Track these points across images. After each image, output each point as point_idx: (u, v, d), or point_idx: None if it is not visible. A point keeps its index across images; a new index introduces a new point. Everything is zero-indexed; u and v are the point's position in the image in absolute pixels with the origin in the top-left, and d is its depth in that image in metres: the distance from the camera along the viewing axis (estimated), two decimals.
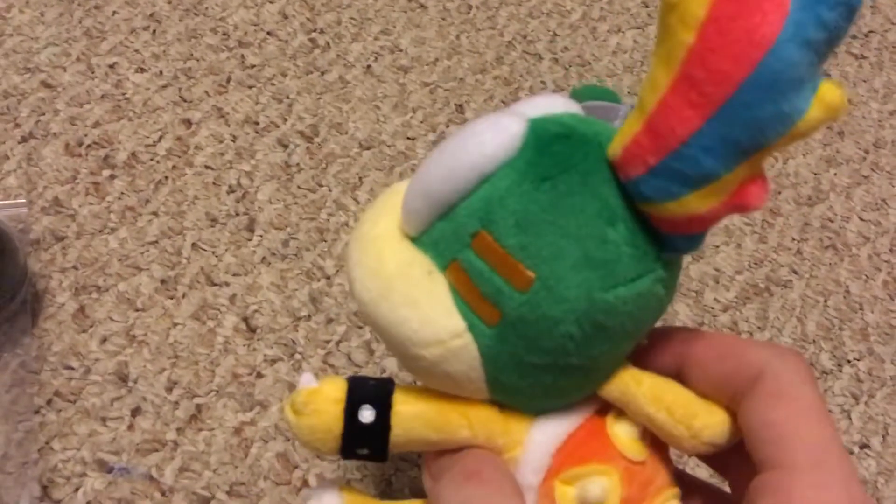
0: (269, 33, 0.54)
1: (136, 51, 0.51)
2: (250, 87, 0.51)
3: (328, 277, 0.45)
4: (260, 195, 0.47)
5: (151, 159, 0.47)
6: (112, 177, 0.46)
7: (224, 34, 0.53)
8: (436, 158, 0.23)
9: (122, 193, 0.45)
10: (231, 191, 0.47)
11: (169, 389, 0.40)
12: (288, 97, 0.51)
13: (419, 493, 0.29)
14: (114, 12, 0.52)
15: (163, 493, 0.37)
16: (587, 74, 0.58)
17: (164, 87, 0.50)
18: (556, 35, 0.60)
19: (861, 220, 0.56)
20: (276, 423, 0.40)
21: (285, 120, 0.50)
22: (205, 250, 0.44)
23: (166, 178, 0.46)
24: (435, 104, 0.54)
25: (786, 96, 0.19)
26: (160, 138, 0.48)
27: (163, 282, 0.43)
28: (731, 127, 0.20)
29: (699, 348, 0.25)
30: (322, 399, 0.25)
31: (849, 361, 0.49)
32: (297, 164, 0.49)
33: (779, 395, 0.23)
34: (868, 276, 0.53)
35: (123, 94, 0.49)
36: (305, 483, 0.38)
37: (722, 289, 0.50)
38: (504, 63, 0.57)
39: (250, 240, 0.45)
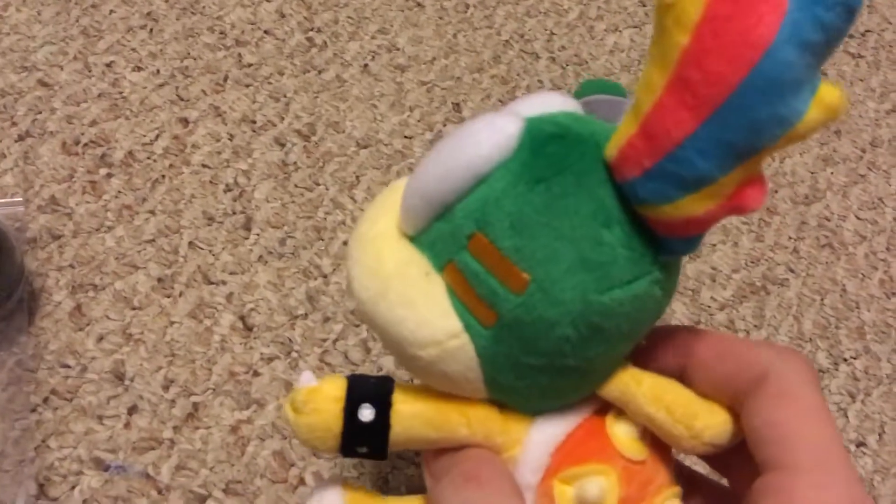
0: (266, 32, 0.54)
1: (133, 49, 0.51)
2: (247, 86, 0.51)
3: (325, 276, 0.45)
4: (257, 194, 0.47)
5: (148, 158, 0.47)
6: (109, 175, 0.46)
7: (221, 33, 0.53)
8: (432, 158, 0.23)
9: (119, 192, 0.45)
10: (228, 189, 0.47)
11: (165, 388, 0.40)
12: (285, 96, 0.51)
13: (416, 491, 0.29)
14: (111, 11, 0.52)
15: (159, 492, 0.37)
16: (584, 73, 0.58)
17: (161, 85, 0.50)
18: (553, 34, 0.60)
19: (858, 218, 0.56)
20: (273, 421, 0.40)
21: (282, 119, 0.50)
22: (201, 249, 0.44)
23: (163, 176, 0.46)
24: (432, 103, 0.54)
25: (783, 98, 0.19)
26: (157, 137, 0.48)
27: (159, 280, 0.43)
28: (727, 129, 0.19)
29: (702, 348, 0.25)
30: (322, 397, 0.25)
31: (845, 360, 0.49)
32: (294, 163, 0.49)
33: (782, 396, 0.23)
34: (864, 274, 0.53)
35: (120, 92, 0.49)
36: (302, 481, 0.38)
37: (718, 287, 0.50)
38: (501, 62, 0.57)
39: (247, 238, 0.45)
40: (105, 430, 0.38)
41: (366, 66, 0.54)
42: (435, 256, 0.23)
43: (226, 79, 0.51)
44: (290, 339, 0.42)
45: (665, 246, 0.23)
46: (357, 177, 0.49)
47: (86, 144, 0.46)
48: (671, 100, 0.20)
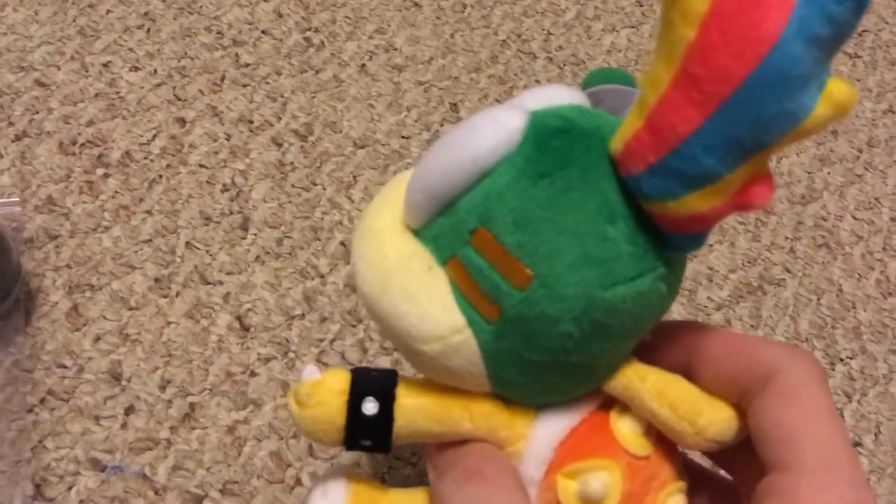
0: (263, 32, 0.54)
1: (131, 49, 0.51)
2: (244, 86, 0.51)
3: (322, 276, 0.45)
4: (254, 194, 0.47)
5: (145, 158, 0.47)
6: (106, 175, 0.46)
7: (218, 33, 0.53)
8: (435, 152, 0.23)
9: (116, 192, 0.45)
10: (225, 189, 0.47)
11: (162, 388, 0.40)
12: (282, 96, 0.51)
13: None
14: (108, 11, 0.52)
15: (156, 492, 0.37)
16: (582, 73, 0.58)
17: (159, 85, 0.50)
18: (550, 34, 0.60)
19: (854, 218, 0.56)
20: (270, 421, 0.40)
21: (279, 119, 0.50)
22: (199, 249, 0.44)
23: (160, 176, 0.46)
24: (429, 103, 0.54)
25: (791, 94, 0.19)
26: (154, 137, 0.48)
27: (156, 280, 0.43)
28: (734, 125, 0.19)
29: (709, 345, 0.25)
30: (325, 391, 0.25)
31: (841, 360, 0.49)
32: (292, 163, 0.49)
33: (790, 396, 0.23)
34: (861, 274, 0.53)
35: (117, 92, 0.49)
36: (298, 482, 0.38)
37: (715, 287, 0.50)
38: (499, 62, 0.57)
39: (244, 238, 0.45)
40: (102, 431, 0.38)
41: (363, 66, 0.54)
42: (438, 251, 0.23)
43: (223, 79, 0.51)
44: (287, 340, 0.42)
45: (670, 242, 0.23)
46: (354, 177, 0.49)
47: (83, 144, 0.46)
48: (677, 95, 0.20)
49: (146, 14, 0.53)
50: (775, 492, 0.22)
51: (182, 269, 0.43)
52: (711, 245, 0.52)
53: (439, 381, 0.25)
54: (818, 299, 0.51)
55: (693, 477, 0.26)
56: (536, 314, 0.22)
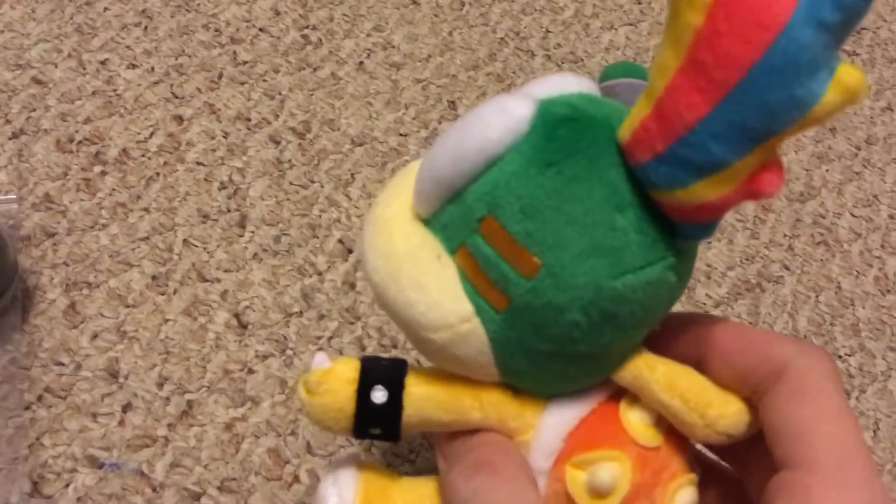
0: (261, 30, 0.54)
1: (128, 47, 0.51)
2: (242, 84, 0.51)
3: (320, 273, 0.45)
4: (252, 191, 0.47)
5: (143, 155, 0.47)
6: (103, 173, 0.45)
7: (216, 30, 0.53)
8: (444, 141, 0.23)
9: (114, 190, 0.45)
10: (223, 187, 0.46)
11: (160, 385, 0.39)
12: (280, 94, 0.51)
13: None
14: (105, 8, 0.52)
15: (154, 489, 0.37)
16: (580, 71, 0.58)
17: (156, 83, 0.50)
18: (548, 32, 0.60)
19: (853, 216, 0.56)
20: (268, 418, 0.40)
21: (277, 116, 0.50)
22: (196, 246, 0.44)
23: (158, 174, 0.46)
24: (427, 101, 0.53)
25: (799, 80, 0.18)
26: (151, 134, 0.48)
27: (154, 278, 0.43)
28: (741, 113, 0.19)
29: (721, 338, 0.25)
30: (335, 379, 0.25)
31: (840, 357, 0.49)
32: (289, 161, 0.48)
33: (803, 393, 0.22)
34: (859, 272, 0.53)
35: (115, 90, 0.49)
36: (296, 479, 0.38)
37: (713, 284, 0.50)
38: (497, 60, 0.57)
39: (242, 236, 0.45)
40: (99, 428, 0.38)
41: (361, 63, 0.54)
42: (447, 239, 0.23)
43: (220, 76, 0.51)
44: (284, 337, 0.42)
45: (679, 231, 0.22)
46: (352, 174, 0.49)
47: (80, 142, 0.46)
48: (684, 82, 0.20)
49: (143, 12, 0.52)
50: (788, 489, 0.21)
51: (179, 267, 0.43)
52: (710, 242, 0.52)
53: (449, 370, 0.25)
54: (817, 296, 0.51)
55: (703, 470, 0.26)
56: (544, 303, 0.22)
